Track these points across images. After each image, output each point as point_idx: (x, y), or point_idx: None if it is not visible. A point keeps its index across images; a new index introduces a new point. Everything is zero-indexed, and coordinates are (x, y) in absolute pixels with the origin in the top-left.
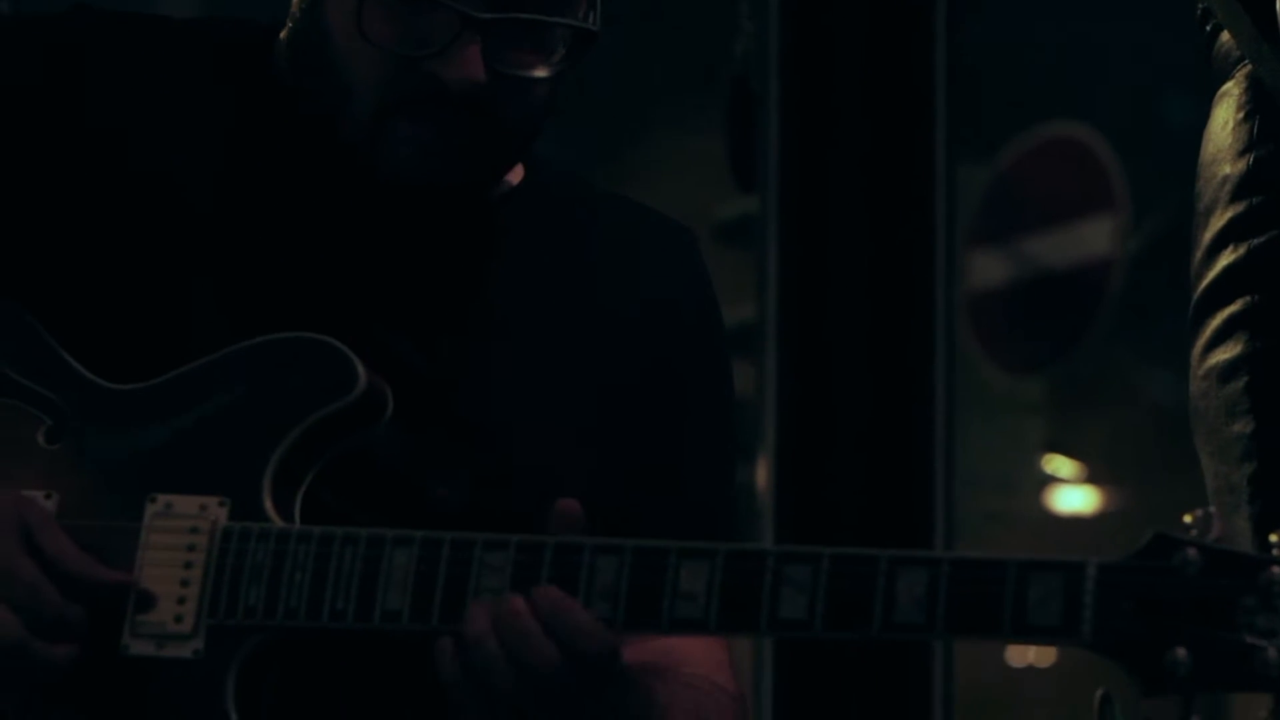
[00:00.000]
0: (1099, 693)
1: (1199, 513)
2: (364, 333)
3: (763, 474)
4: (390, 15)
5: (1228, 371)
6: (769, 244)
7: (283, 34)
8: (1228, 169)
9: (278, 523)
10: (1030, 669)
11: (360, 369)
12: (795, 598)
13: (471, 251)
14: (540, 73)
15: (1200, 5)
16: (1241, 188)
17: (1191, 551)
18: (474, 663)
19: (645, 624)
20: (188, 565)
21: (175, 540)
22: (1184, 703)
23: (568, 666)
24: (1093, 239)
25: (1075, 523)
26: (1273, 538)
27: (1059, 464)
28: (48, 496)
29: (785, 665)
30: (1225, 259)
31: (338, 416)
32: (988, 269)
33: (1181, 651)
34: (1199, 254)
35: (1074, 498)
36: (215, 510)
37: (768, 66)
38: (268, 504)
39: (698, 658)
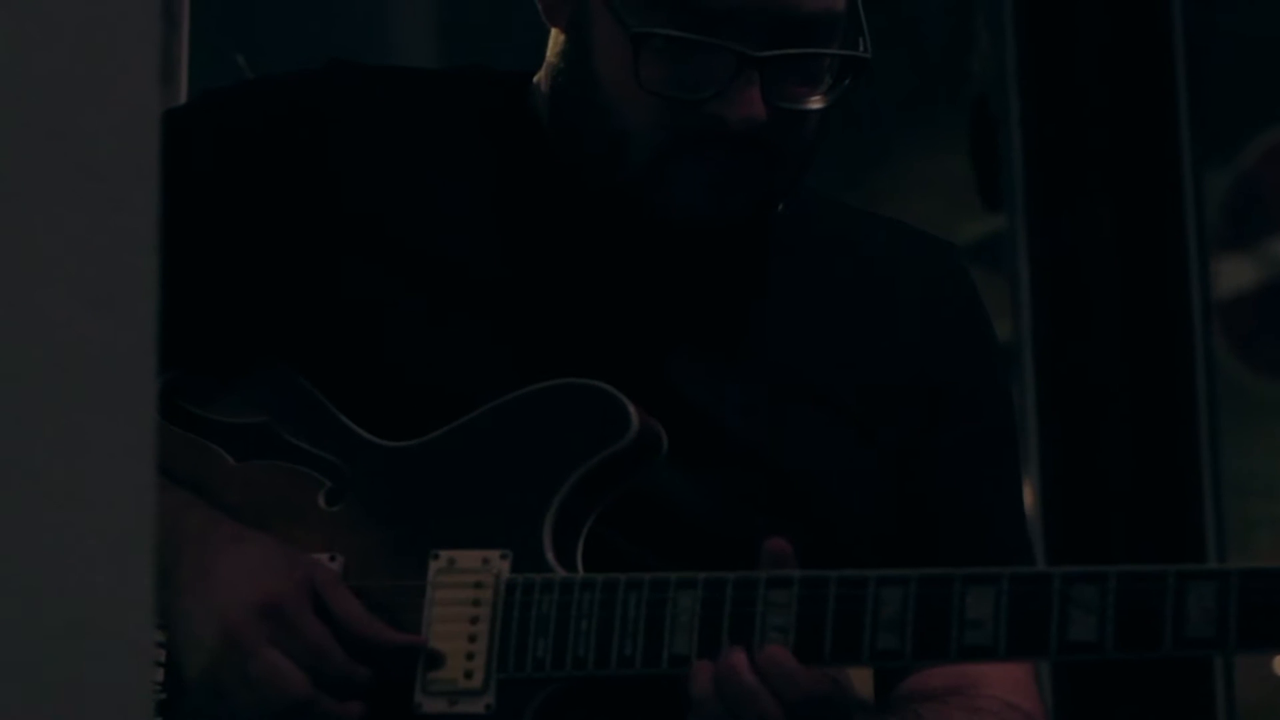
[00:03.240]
0: None
1: None
2: (647, 374)
3: (1029, 494)
4: (666, 61)
5: None
6: (1020, 262)
7: (539, 81)
8: None
9: (560, 572)
10: None
11: (633, 411)
12: (1084, 619)
13: (744, 284)
14: (816, 103)
15: None
16: None
17: None
18: None
19: (934, 654)
20: (474, 620)
21: (460, 595)
22: None
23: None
24: None
25: None
26: None
27: None
28: (332, 559)
29: (1064, 681)
30: None
31: (613, 460)
32: (1236, 272)
33: None
34: None
35: None
36: (498, 563)
37: (1007, 82)
38: (549, 553)
39: (993, 678)
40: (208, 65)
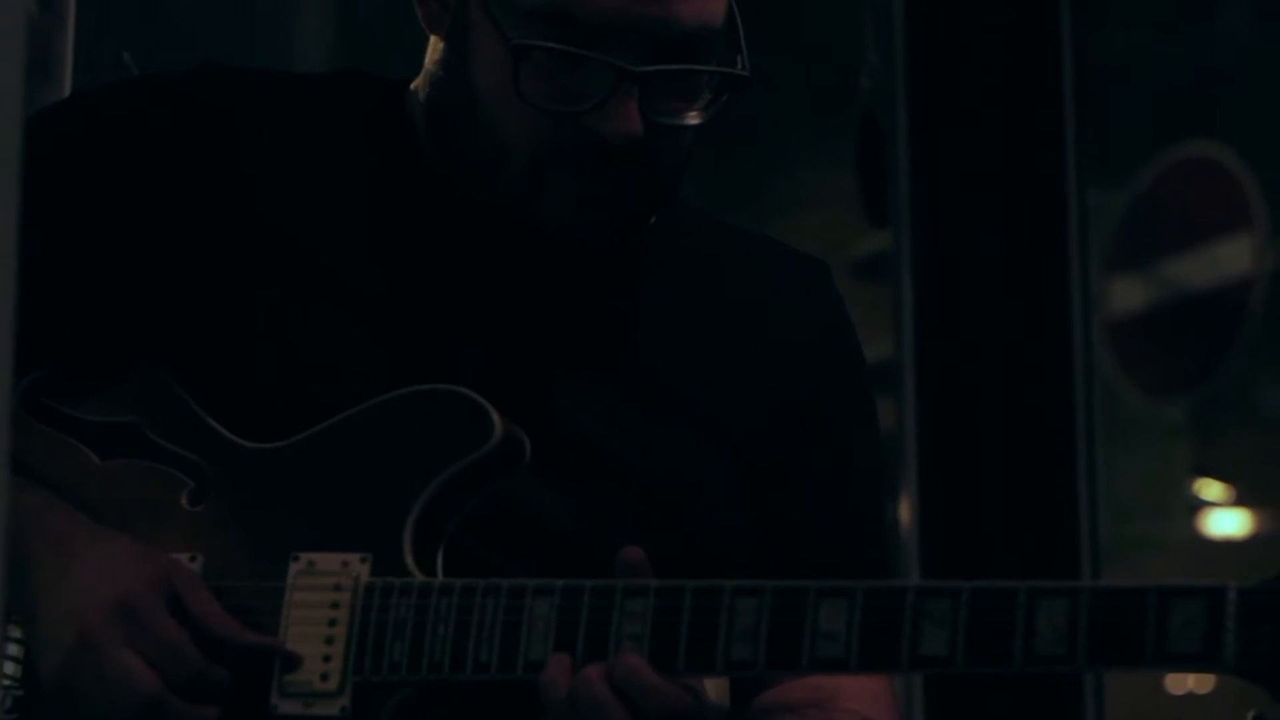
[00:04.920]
0: (1251, 714)
1: None
2: (517, 384)
3: (906, 510)
4: (546, 74)
5: None
6: (903, 279)
7: (417, 89)
8: None
9: (419, 576)
10: (1190, 695)
11: (495, 417)
12: (936, 633)
13: (617, 298)
14: (693, 119)
15: None
16: None
17: None
18: None
19: (786, 665)
20: (332, 623)
21: (319, 598)
22: None
23: None
24: (1232, 259)
25: (1227, 546)
26: None
27: (1209, 487)
28: (192, 559)
29: (936, 698)
30: None
31: (476, 466)
32: (1128, 293)
33: None
34: None
35: (1225, 521)
36: (357, 566)
37: (895, 99)
38: (409, 558)
39: (851, 691)
40: (93, 62)
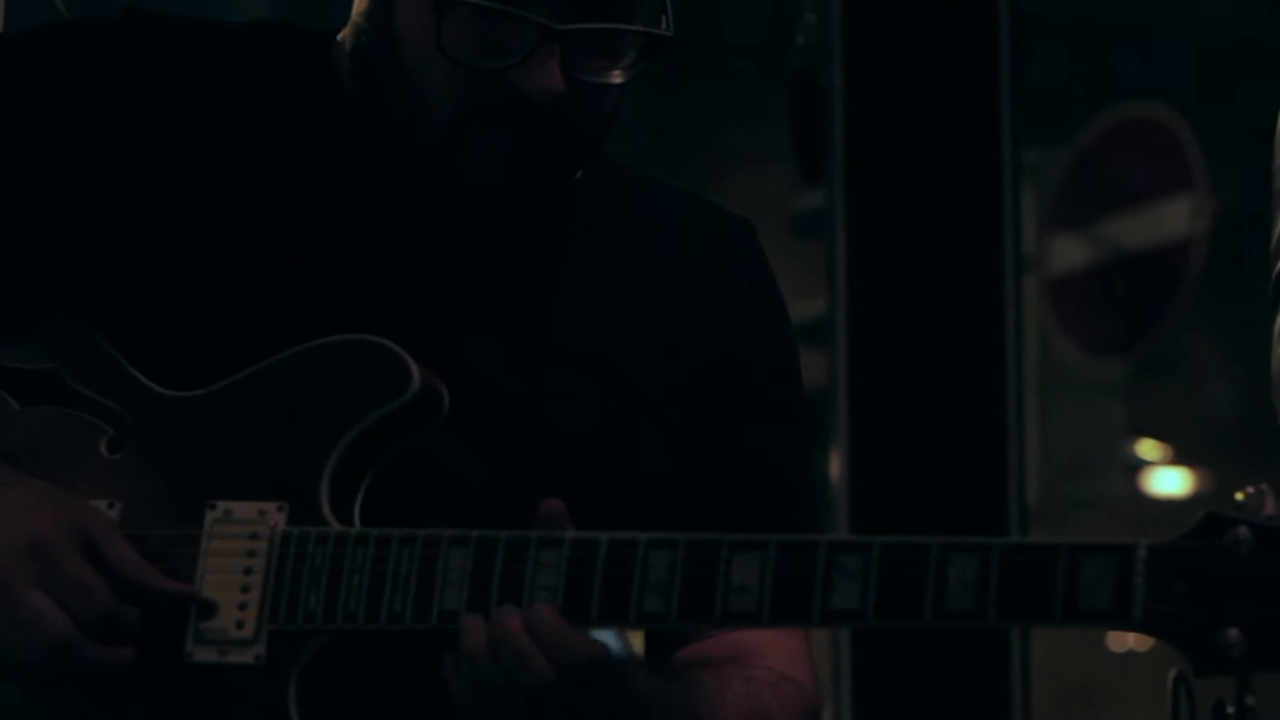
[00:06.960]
0: (1173, 673)
1: (1251, 490)
2: (436, 338)
3: (836, 465)
4: (469, 28)
5: None
6: (837, 235)
7: (343, 40)
8: None
9: (336, 526)
10: (1131, 653)
11: (414, 368)
12: (848, 587)
13: (539, 252)
14: (616, 78)
15: None
16: None
17: (1243, 530)
18: (472, 678)
19: (699, 617)
20: (248, 571)
21: (235, 546)
22: (1239, 682)
23: (565, 685)
24: (1171, 219)
25: (1167, 506)
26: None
27: (1147, 447)
28: (110, 506)
29: (861, 651)
30: None
31: (393, 417)
32: (1068, 252)
33: (1234, 632)
34: (1277, 233)
35: (1165, 480)
36: (274, 515)
37: (832, 57)
38: (325, 507)
39: (768, 649)
40: (24, 3)
